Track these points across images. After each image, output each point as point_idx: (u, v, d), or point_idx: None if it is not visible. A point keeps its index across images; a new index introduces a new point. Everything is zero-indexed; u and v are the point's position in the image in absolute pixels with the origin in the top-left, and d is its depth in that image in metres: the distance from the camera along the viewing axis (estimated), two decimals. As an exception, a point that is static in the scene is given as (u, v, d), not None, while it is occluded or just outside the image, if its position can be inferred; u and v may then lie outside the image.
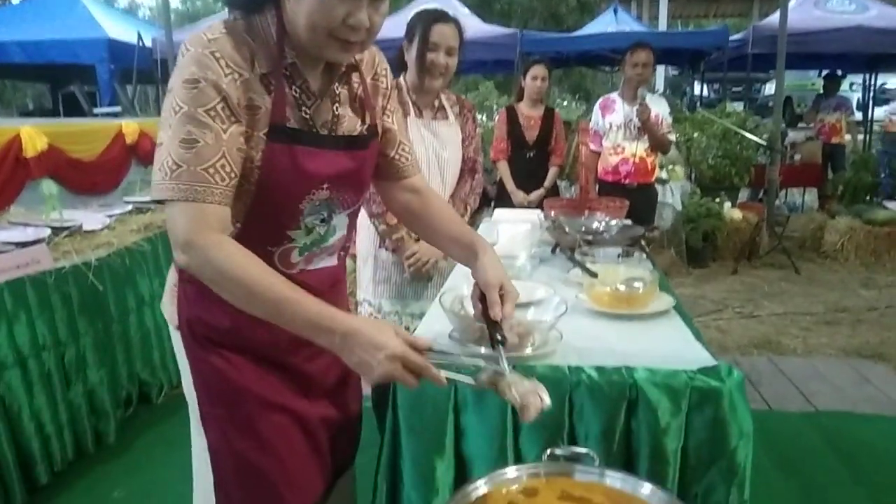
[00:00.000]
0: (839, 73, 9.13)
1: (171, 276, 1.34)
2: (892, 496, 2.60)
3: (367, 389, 1.42)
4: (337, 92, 1.26)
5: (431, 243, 1.55)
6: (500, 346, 1.22)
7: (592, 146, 4.54)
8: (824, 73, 9.65)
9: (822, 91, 9.01)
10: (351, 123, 1.29)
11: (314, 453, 1.33)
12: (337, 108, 1.26)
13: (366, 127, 1.32)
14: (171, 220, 1.10)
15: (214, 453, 1.29)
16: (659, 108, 4.29)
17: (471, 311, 1.56)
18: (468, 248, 1.39)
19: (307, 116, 1.21)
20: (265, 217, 1.20)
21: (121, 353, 3.10)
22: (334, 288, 1.40)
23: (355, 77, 1.31)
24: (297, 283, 1.13)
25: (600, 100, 4.58)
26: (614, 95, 4.46)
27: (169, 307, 1.33)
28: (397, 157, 1.44)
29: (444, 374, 1.07)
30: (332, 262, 1.37)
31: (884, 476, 2.74)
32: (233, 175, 1.12)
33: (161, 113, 1.13)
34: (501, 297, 1.27)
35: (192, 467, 1.41)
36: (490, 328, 1.27)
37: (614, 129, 4.35)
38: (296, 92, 1.20)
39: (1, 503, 2.41)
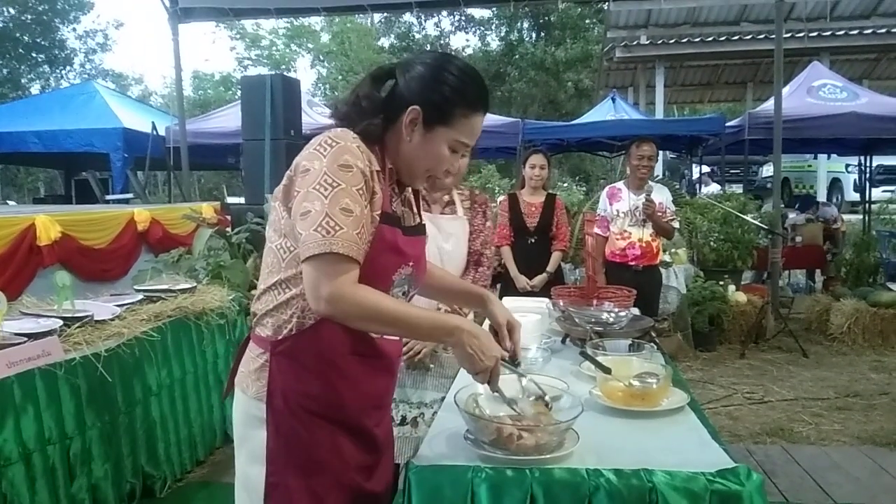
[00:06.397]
0: (830, 157, 9.33)
1: (255, 356, 1.51)
2: None
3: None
4: (405, 194, 1.62)
5: (441, 300, 1.96)
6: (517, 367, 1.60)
7: (599, 230, 4.76)
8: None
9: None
10: (409, 218, 1.62)
11: None
12: (402, 207, 1.59)
13: (417, 223, 1.64)
14: (316, 275, 1.34)
15: None
16: (662, 197, 4.47)
17: (486, 411, 1.57)
18: (477, 298, 1.78)
19: (395, 208, 1.54)
20: (366, 283, 1.40)
21: (126, 445, 3.05)
22: (398, 359, 1.67)
23: None
24: (379, 347, 1.51)
25: (607, 188, 4.83)
26: (620, 184, 4.69)
27: (255, 383, 1.49)
28: None
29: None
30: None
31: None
32: (366, 243, 1.39)
33: (300, 187, 1.38)
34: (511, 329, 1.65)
35: None
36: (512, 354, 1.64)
37: (621, 216, 4.59)
38: (391, 187, 1.52)
39: None
